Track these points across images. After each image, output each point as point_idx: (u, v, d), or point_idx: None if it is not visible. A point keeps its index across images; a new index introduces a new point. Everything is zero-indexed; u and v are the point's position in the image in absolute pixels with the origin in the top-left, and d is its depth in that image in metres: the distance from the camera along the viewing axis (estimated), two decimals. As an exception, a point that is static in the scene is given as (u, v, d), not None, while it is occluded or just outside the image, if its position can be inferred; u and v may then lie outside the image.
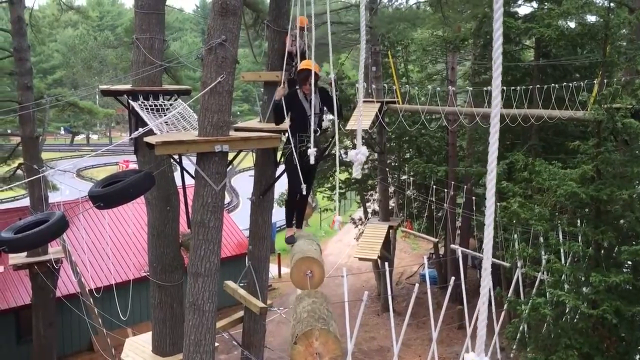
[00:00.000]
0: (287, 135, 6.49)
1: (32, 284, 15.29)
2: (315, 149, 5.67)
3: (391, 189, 23.35)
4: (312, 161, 5.71)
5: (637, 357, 11.64)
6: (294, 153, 6.34)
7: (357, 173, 3.15)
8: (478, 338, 1.80)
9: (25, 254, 14.58)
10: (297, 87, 6.52)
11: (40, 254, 14.79)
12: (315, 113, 6.34)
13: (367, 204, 25.87)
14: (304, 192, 6.35)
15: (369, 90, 18.87)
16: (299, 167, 6.15)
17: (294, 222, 7.21)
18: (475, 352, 1.75)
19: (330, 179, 24.89)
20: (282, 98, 6.34)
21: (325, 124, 5.91)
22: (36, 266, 14.66)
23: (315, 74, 6.28)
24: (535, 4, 20.55)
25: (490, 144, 1.72)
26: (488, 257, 1.79)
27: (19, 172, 16.77)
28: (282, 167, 8.42)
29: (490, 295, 1.83)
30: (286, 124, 6.60)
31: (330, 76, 5.92)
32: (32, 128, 15.12)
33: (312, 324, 5.18)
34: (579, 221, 13.20)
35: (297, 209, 7.20)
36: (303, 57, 6.90)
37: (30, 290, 15.75)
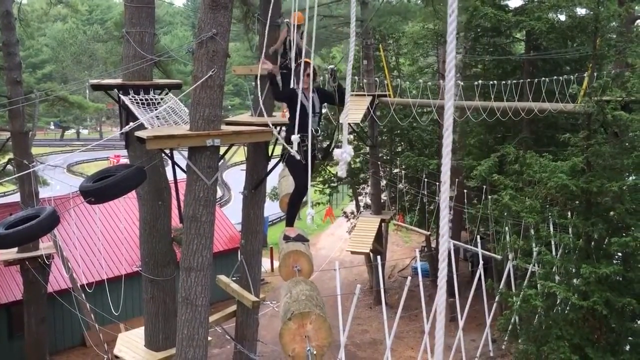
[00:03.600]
0: (285, 134, 6.41)
1: (24, 279, 15.21)
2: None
3: (383, 183, 23.40)
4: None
5: (627, 347, 11.75)
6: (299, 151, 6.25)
7: (342, 172, 3.15)
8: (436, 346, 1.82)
9: (16, 249, 14.50)
10: (296, 86, 6.43)
11: (31, 250, 14.71)
12: (315, 112, 6.28)
13: (359, 198, 25.91)
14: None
15: (360, 84, 18.84)
16: (304, 164, 6.06)
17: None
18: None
19: (322, 172, 24.89)
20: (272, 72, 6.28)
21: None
22: (27, 262, 14.58)
23: (314, 69, 6.24)
24: (525, -3, 20.58)
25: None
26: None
27: (9, 167, 16.63)
28: (273, 162, 8.41)
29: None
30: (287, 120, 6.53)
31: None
32: (22, 123, 15.00)
33: (311, 307, 5.18)
34: (569, 213, 13.27)
35: (295, 207, 6.99)
36: (299, 54, 6.87)
37: (21, 285, 15.66)
